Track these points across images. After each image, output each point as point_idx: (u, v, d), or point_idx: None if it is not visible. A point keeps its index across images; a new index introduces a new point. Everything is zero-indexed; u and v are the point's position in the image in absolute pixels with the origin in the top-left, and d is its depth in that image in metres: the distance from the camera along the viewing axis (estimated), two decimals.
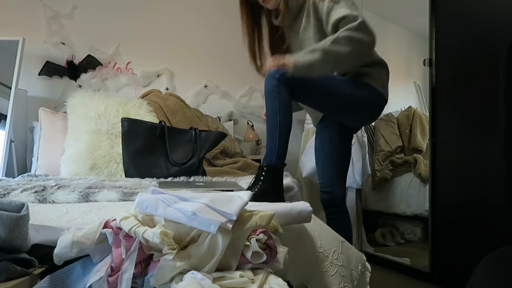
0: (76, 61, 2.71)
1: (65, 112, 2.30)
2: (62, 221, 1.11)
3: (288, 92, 1.46)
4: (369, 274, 1.31)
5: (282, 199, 1.41)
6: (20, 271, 0.80)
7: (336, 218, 1.74)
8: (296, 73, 1.41)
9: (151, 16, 2.87)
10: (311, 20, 1.56)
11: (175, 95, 2.56)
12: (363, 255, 1.32)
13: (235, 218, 0.83)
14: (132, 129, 1.94)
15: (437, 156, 2.14)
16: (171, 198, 0.88)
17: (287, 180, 1.72)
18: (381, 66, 1.63)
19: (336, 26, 1.45)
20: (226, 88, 3.01)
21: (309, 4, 1.55)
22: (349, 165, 1.76)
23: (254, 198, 1.24)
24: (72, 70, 2.69)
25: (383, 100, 1.62)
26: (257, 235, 0.87)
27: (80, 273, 0.88)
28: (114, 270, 0.82)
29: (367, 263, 1.32)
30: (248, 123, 2.98)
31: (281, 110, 1.45)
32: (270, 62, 1.46)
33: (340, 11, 1.44)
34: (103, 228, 0.88)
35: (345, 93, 1.52)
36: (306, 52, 1.41)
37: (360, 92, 1.57)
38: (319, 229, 1.19)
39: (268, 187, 1.44)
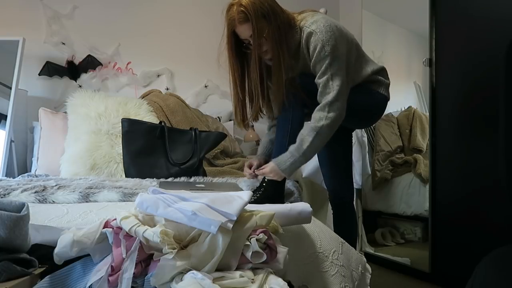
0: (76, 61, 2.70)
1: (65, 112, 2.30)
2: (62, 221, 1.11)
3: (303, 104, 1.52)
4: (370, 276, 1.31)
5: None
6: (20, 271, 0.80)
7: (343, 217, 1.80)
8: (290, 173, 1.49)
9: (151, 16, 2.86)
10: (306, 59, 1.57)
11: (175, 95, 2.56)
12: (363, 256, 1.32)
13: (235, 218, 0.83)
14: (132, 129, 1.94)
15: (437, 156, 2.14)
16: (172, 198, 0.88)
17: (288, 184, 1.73)
18: (383, 71, 1.71)
19: (316, 84, 1.51)
20: (226, 88, 2.98)
21: (302, 43, 1.54)
22: (352, 163, 1.83)
23: (255, 203, 1.26)
24: (72, 70, 2.68)
25: (387, 102, 1.71)
26: (257, 235, 0.87)
27: (80, 273, 0.88)
28: (115, 270, 0.82)
29: (367, 265, 1.32)
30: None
31: (294, 120, 1.52)
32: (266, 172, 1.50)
33: (324, 72, 1.48)
34: (103, 228, 0.88)
35: (359, 103, 1.56)
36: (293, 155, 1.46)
37: (370, 99, 1.66)
38: (319, 230, 1.19)
39: (270, 193, 1.48)
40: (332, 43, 1.47)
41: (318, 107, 1.49)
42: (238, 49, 1.56)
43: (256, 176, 1.61)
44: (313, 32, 1.49)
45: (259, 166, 1.64)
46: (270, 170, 1.48)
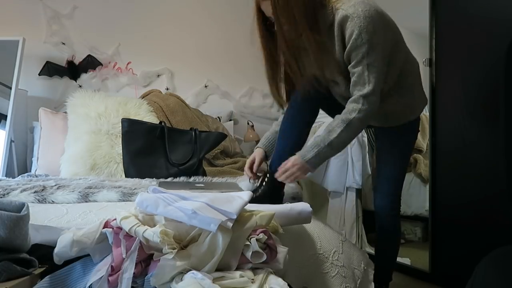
0: (76, 61, 2.70)
1: (65, 112, 2.30)
2: (62, 221, 1.11)
3: (313, 107, 1.51)
4: (373, 271, 1.31)
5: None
6: (20, 271, 0.80)
7: (390, 234, 1.75)
8: (315, 165, 1.40)
9: (151, 16, 2.86)
10: (339, 41, 1.43)
11: (175, 95, 2.56)
12: (366, 253, 1.32)
13: (235, 217, 0.83)
14: (132, 130, 1.94)
15: (437, 156, 2.14)
16: (172, 197, 0.88)
17: (288, 184, 1.73)
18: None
19: (350, 72, 1.41)
20: (227, 88, 3.00)
21: (335, 25, 1.39)
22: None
23: (255, 203, 1.25)
24: (72, 70, 2.69)
25: None
26: (257, 235, 0.87)
27: (80, 273, 0.88)
28: (114, 270, 0.82)
29: (370, 260, 1.33)
30: (248, 123, 2.97)
31: (307, 113, 1.50)
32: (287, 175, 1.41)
33: (359, 61, 1.37)
34: (103, 228, 0.88)
35: None
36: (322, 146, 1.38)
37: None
38: (319, 230, 1.19)
39: (268, 192, 1.47)
40: (371, 30, 1.31)
41: (351, 99, 1.39)
42: (267, 27, 1.45)
43: (257, 176, 1.55)
44: (349, 16, 1.34)
45: (260, 162, 1.57)
46: (292, 163, 1.39)
